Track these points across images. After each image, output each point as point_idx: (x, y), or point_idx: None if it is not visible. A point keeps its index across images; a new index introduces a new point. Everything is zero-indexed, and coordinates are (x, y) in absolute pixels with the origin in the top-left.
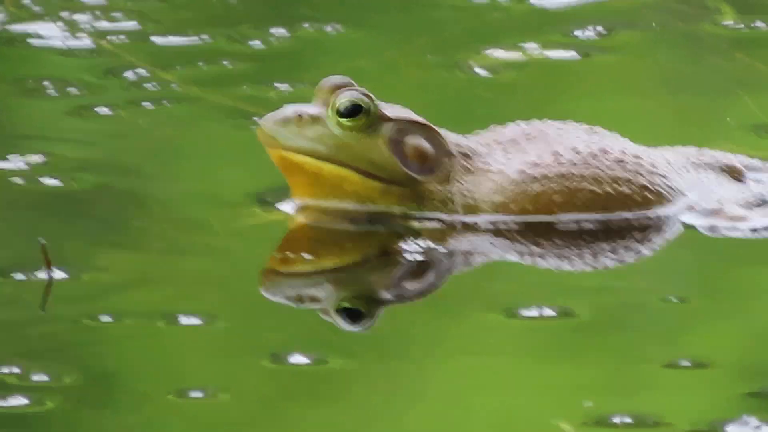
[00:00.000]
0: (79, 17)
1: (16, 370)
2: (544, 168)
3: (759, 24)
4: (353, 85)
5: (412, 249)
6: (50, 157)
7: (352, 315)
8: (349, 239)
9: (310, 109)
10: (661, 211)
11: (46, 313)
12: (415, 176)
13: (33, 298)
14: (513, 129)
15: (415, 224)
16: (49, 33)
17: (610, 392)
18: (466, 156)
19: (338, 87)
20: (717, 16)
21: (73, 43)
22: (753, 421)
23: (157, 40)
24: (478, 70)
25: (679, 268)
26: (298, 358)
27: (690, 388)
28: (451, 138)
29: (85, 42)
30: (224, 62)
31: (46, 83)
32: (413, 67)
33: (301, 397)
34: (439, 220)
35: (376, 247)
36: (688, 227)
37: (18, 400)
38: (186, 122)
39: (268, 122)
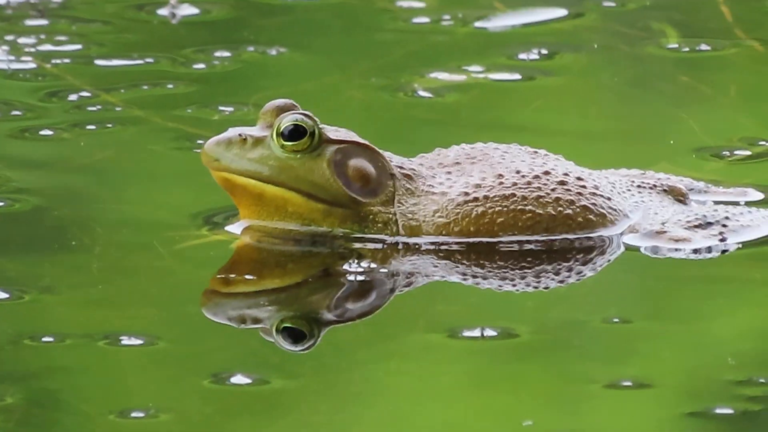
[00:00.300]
0: (23, 40)
1: None
2: (486, 190)
3: (703, 47)
4: (297, 108)
5: (354, 270)
6: None
7: (294, 335)
8: (291, 260)
9: (254, 131)
10: (604, 232)
11: None
12: (358, 198)
13: None
14: (457, 151)
15: (358, 245)
16: None
17: (551, 412)
18: (409, 178)
19: (282, 109)
20: (661, 39)
21: (17, 66)
22: None
23: (100, 62)
24: (422, 92)
25: (622, 289)
26: (239, 379)
27: (632, 409)
28: (395, 160)
29: (29, 65)
30: (168, 85)
31: None
32: (357, 89)
33: (243, 418)
34: (382, 241)
35: (318, 267)
36: (631, 248)
37: None
38: (129, 144)
39: (211, 144)
